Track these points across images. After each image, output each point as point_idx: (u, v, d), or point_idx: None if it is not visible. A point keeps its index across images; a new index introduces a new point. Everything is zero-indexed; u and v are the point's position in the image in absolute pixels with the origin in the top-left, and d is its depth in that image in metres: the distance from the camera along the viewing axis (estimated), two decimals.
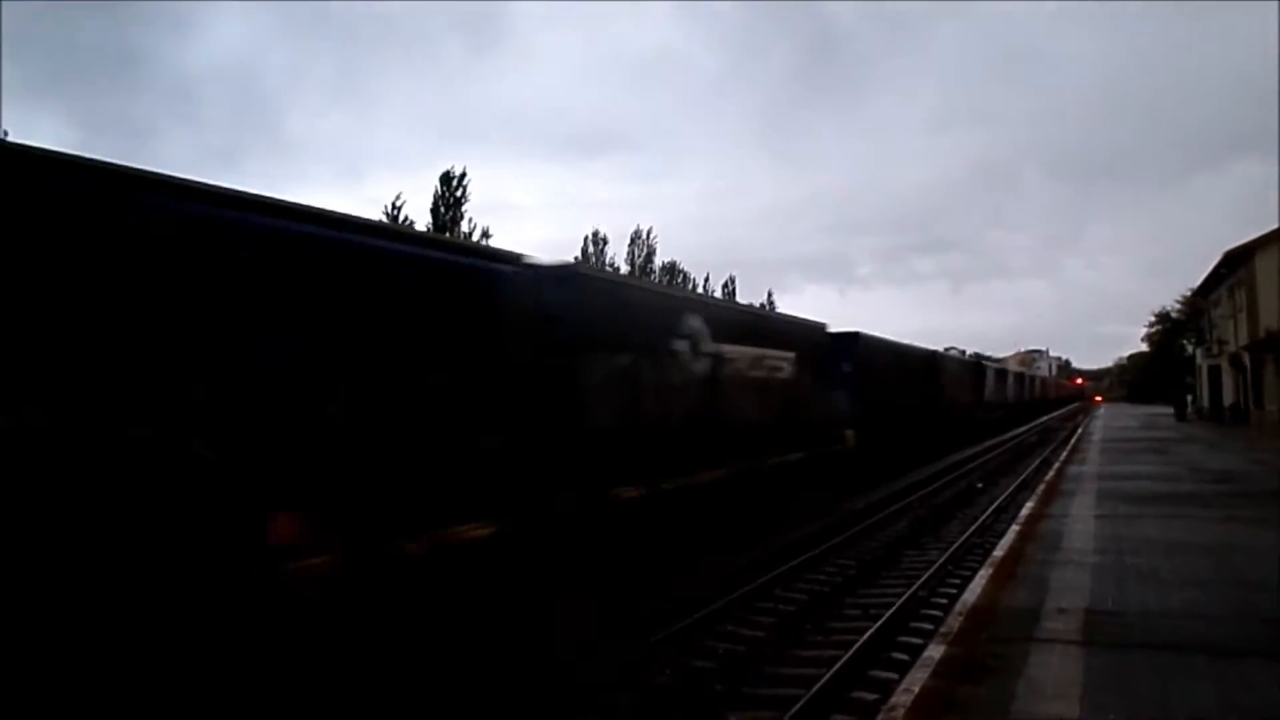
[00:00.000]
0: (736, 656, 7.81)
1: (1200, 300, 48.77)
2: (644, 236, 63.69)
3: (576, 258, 57.61)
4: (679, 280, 63.83)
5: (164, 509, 5.11)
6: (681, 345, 11.76)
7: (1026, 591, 7.95)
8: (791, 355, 15.86)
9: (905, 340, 29.62)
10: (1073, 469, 20.69)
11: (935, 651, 6.19)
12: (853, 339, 20.45)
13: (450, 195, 45.43)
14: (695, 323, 12.14)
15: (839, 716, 6.41)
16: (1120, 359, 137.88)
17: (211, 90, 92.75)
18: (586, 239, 60.79)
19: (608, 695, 6.71)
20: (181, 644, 5.05)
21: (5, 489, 4.53)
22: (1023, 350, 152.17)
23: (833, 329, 19.66)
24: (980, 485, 21.64)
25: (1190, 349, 52.36)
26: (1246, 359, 36.82)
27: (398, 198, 43.54)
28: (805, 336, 17.37)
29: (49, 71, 73.74)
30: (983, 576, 8.69)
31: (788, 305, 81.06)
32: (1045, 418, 68.58)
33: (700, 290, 65.83)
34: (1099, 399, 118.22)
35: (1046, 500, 14.64)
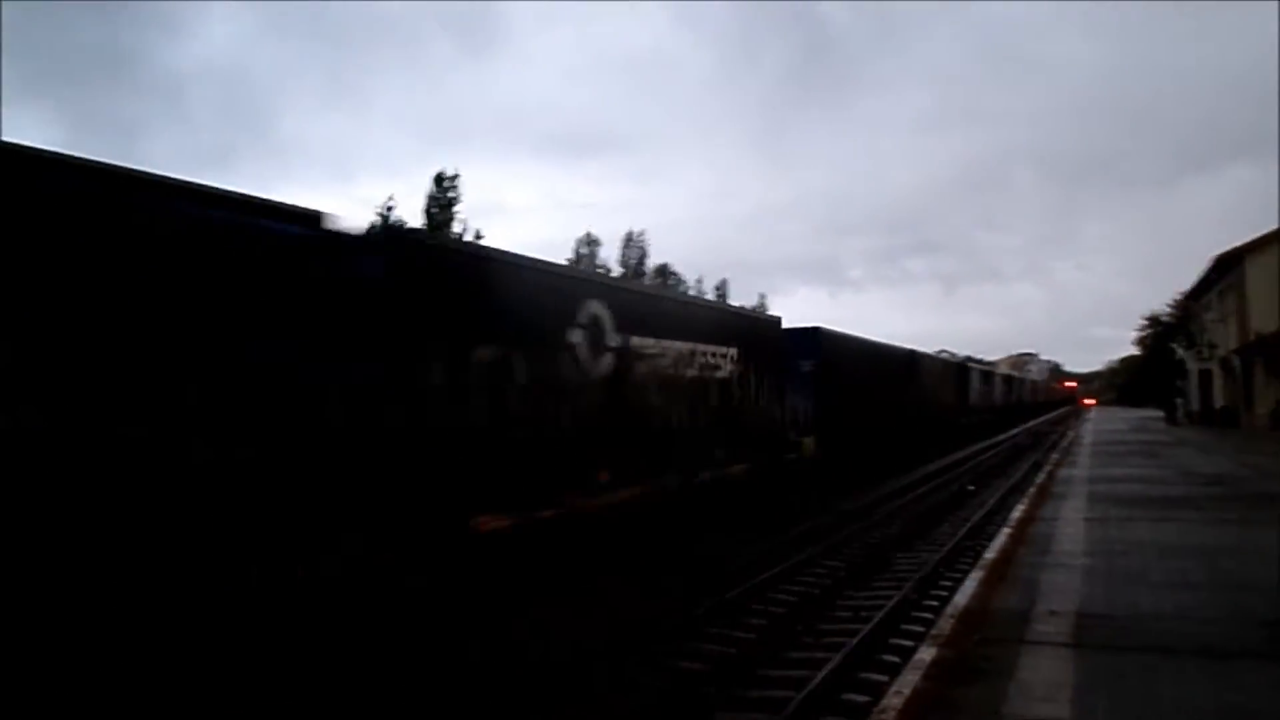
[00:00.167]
0: None
1: (1191, 304, 48.97)
2: (637, 238, 63.77)
3: (569, 259, 57.65)
4: (671, 282, 63.83)
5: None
6: (576, 336, 9.92)
7: (1017, 594, 7.93)
8: (733, 351, 13.90)
9: (888, 340, 29.05)
10: (1063, 472, 20.69)
11: (926, 654, 6.17)
12: (813, 335, 18.80)
13: (443, 196, 45.32)
14: (596, 309, 10.27)
15: None
16: (1111, 362, 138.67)
17: (202, 90, 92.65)
18: (578, 240, 60.86)
19: None
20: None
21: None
22: (1014, 353, 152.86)
23: (805, 324, 18.61)
24: (973, 487, 21.62)
25: (1181, 352, 52.50)
26: (1237, 362, 36.98)
27: (390, 198, 43.46)
28: (752, 331, 15.28)
29: (40, 71, 73.51)
30: (974, 579, 8.68)
31: (779, 307, 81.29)
32: (1035, 421, 68.46)
33: (693, 292, 65.84)
34: (1090, 402, 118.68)
35: (1037, 503, 14.63)
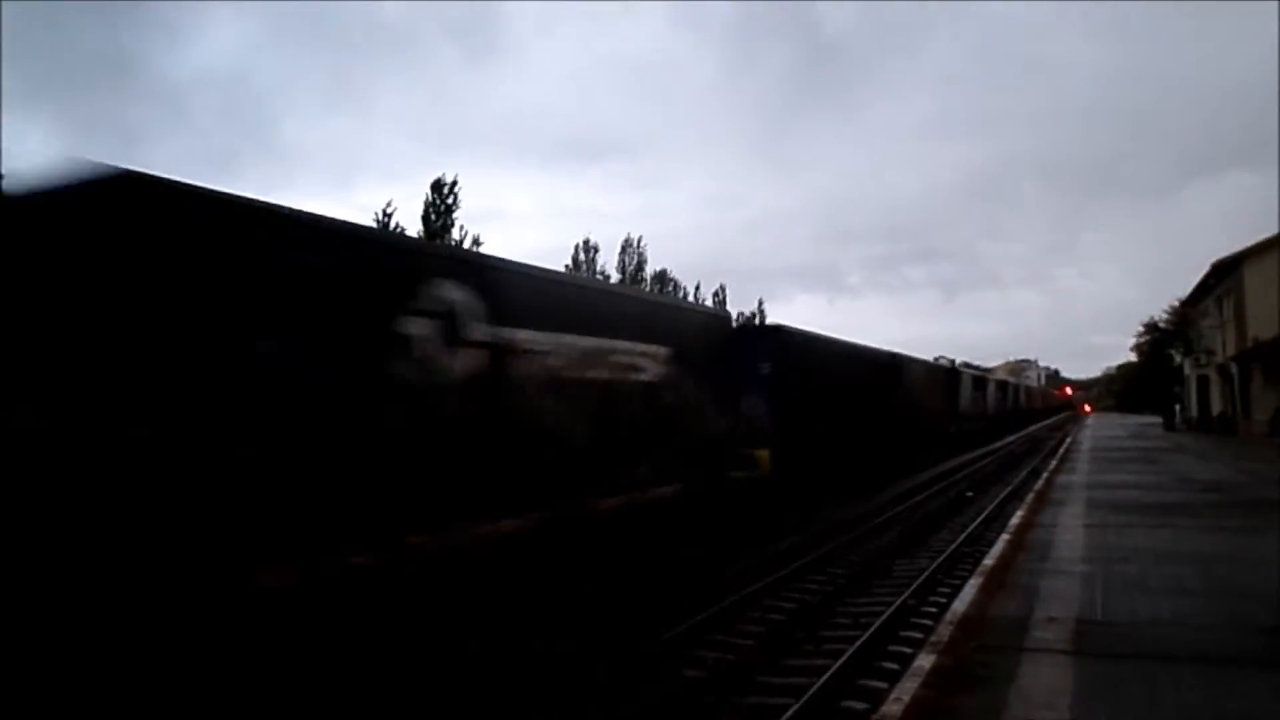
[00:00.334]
0: None
1: (1188, 310, 49.03)
2: (635, 245, 63.83)
3: (567, 266, 57.68)
4: (669, 289, 63.84)
5: None
6: (423, 328, 7.76)
7: (1016, 601, 7.93)
8: (662, 351, 11.61)
9: (882, 345, 28.05)
10: (1062, 478, 20.71)
11: (925, 661, 6.16)
12: (772, 334, 17.19)
13: (441, 203, 45.37)
14: (449, 294, 8.07)
15: None
16: (1109, 369, 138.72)
17: (204, 96, 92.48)
18: (577, 247, 60.87)
19: None
20: None
21: None
22: (1012, 360, 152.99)
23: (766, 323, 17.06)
24: (970, 494, 21.63)
25: (1178, 359, 52.56)
26: (1234, 369, 37.01)
27: (388, 204, 43.51)
28: (690, 328, 13.04)
29: (42, 76, 73.50)
30: (972, 586, 8.68)
31: (779, 314, 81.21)
32: (1032, 428, 68.24)
33: (691, 299, 65.74)
34: (1088, 409, 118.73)
35: (1036, 509, 14.64)
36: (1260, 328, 32.01)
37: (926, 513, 18.08)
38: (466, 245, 44.06)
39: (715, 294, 68.70)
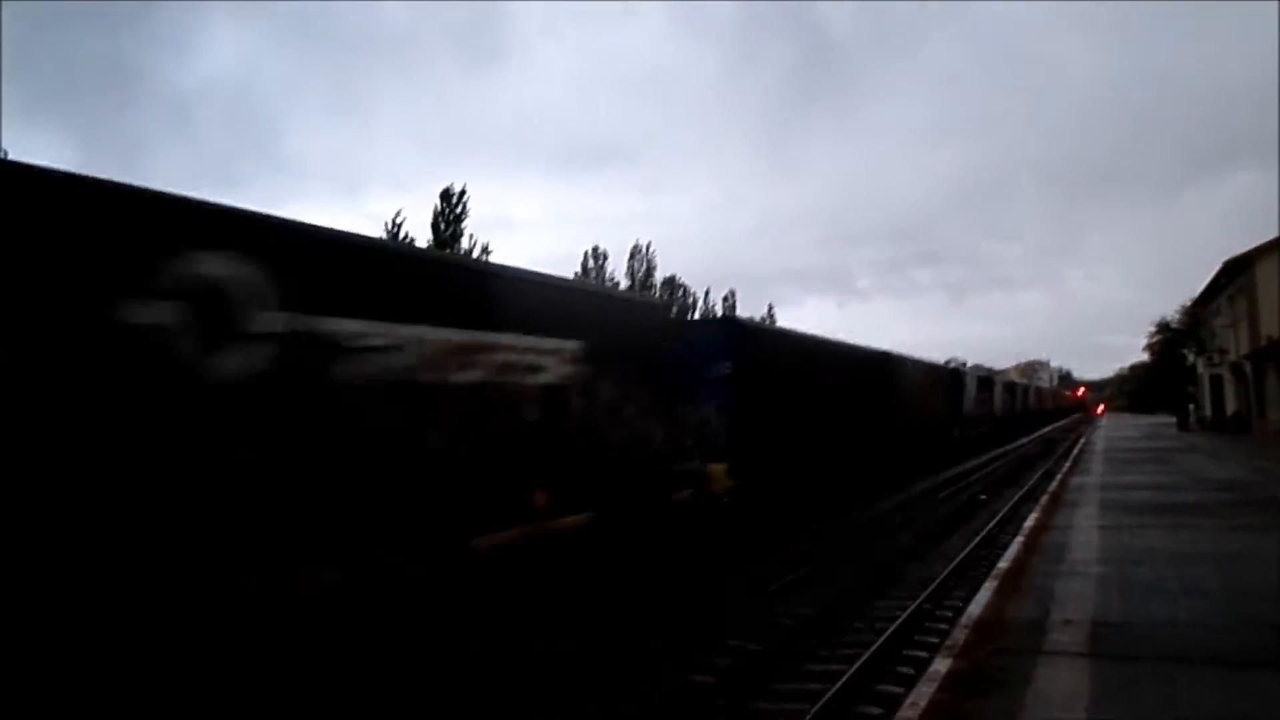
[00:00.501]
0: None
1: (1200, 309, 48.84)
2: (643, 251, 63.86)
3: (576, 273, 57.79)
4: (679, 295, 63.85)
5: None
6: (157, 314, 5.58)
7: (1032, 603, 7.94)
8: (572, 347, 9.37)
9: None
10: (1075, 480, 20.66)
11: (941, 665, 6.19)
12: (732, 329, 14.94)
13: (451, 212, 45.55)
14: (224, 269, 6.00)
15: None
16: (1122, 369, 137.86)
17: (209, 107, 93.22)
18: (586, 254, 60.91)
19: None
20: None
21: None
22: (1024, 361, 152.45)
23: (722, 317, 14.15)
24: (984, 496, 21.60)
25: (1191, 358, 52.35)
26: (1248, 368, 36.83)
27: (398, 214, 43.72)
28: (612, 319, 10.52)
29: (46, 88, 74.17)
30: (988, 589, 8.70)
31: (788, 318, 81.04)
32: (1044, 430, 67.49)
33: (701, 306, 65.56)
34: (1101, 409, 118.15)
35: (1050, 511, 14.62)
36: (1273, 326, 31.87)
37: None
38: (475, 254, 44.26)
39: (725, 299, 68.67)
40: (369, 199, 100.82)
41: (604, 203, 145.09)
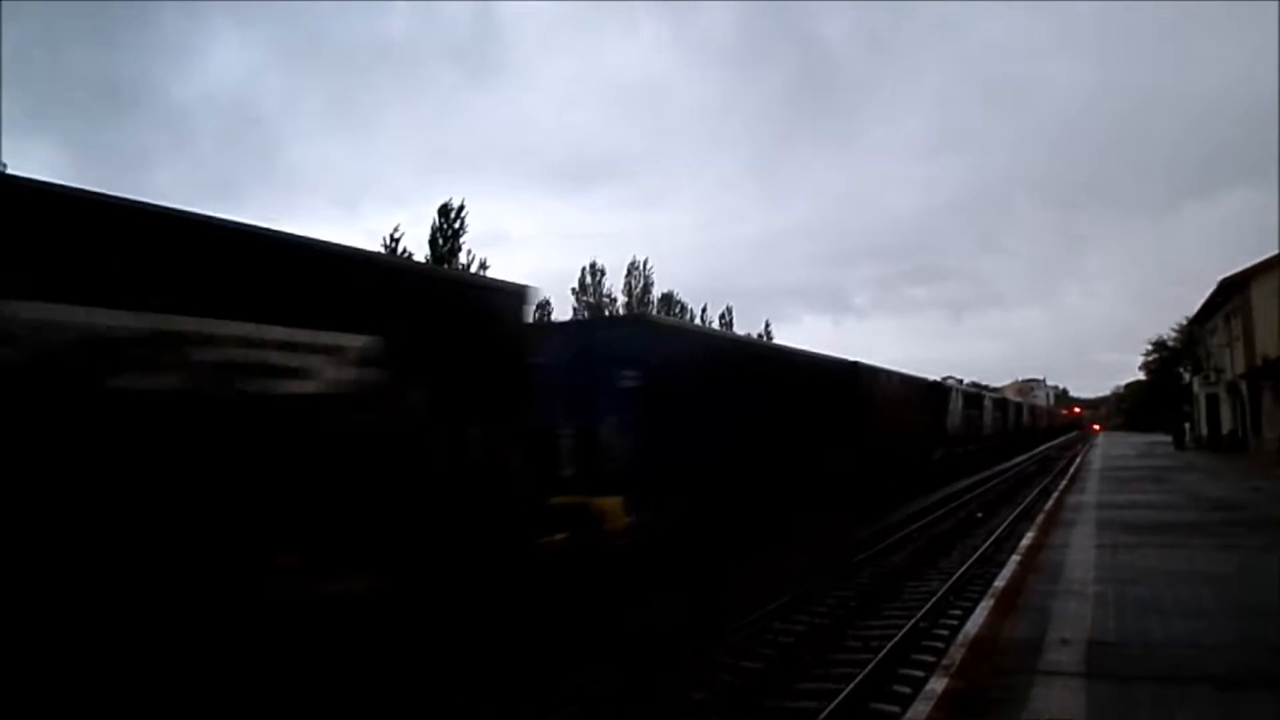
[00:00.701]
0: None
1: (1197, 328, 48.99)
2: (641, 267, 63.98)
3: (574, 290, 57.85)
4: (676, 313, 63.87)
5: None
6: None
7: (1028, 622, 7.91)
8: (358, 343, 6.82)
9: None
10: (1072, 498, 20.64)
11: (938, 685, 6.15)
12: (640, 331, 12.02)
13: (449, 227, 45.63)
14: None
15: None
16: (1118, 387, 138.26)
17: (206, 121, 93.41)
18: (583, 270, 61.01)
19: None
20: None
21: None
22: (1020, 379, 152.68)
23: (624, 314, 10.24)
24: (980, 515, 21.55)
25: (1187, 377, 52.48)
26: (1244, 387, 36.89)
27: (396, 229, 43.81)
28: (427, 305, 7.86)
29: (45, 102, 74.40)
30: (984, 607, 8.66)
31: (785, 336, 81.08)
32: (1040, 449, 66.31)
33: (697, 323, 65.62)
34: (1097, 428, 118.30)
35: (1046, 530, 14.60)
36: (1269, 345, 31.96)
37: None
38: (474, 269, 44.34)
39: (722, 316, 68.81)
40: (367, 214, 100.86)
41: (601, 218, 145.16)
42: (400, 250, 43.05)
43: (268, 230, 6.61)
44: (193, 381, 5.58)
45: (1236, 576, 9.71)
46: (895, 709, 6.79)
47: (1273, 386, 32.78)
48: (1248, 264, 35.06)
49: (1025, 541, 13.31)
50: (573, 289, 59.61)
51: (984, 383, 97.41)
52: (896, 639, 9.04)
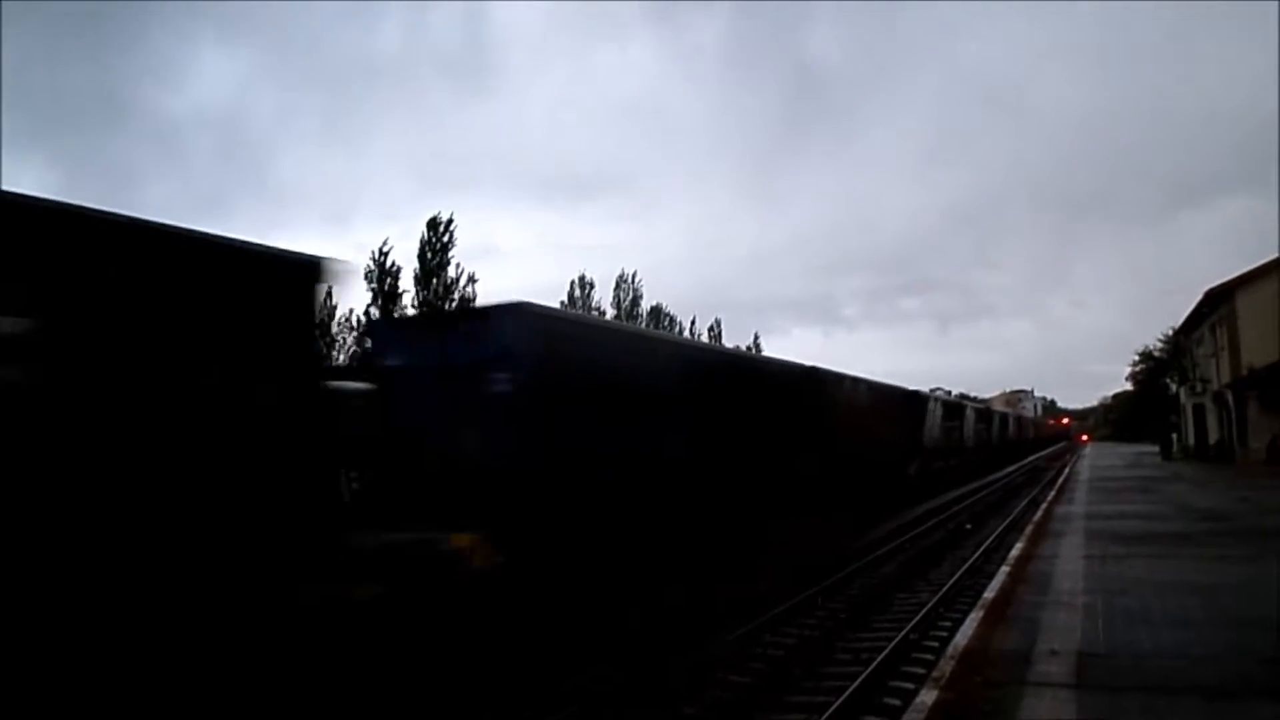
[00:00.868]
0: None
1: (1183, 338, 49.30)
2: (630, 280, 63.96)
3: (563, 302, 57.81)
4: (664, 326, 63.85)
5: None
6: None
7: (1018, 633, 7.90)
8: None
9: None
10: (1060, 509, 20.68)
11: (928, 697, 6.13)
12: (517, 322, 9.33)
13: (437, 241, 45.61)
14: None
15: None
16: (1105, 398, 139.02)
17: (197, 136, 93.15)
18: (573, 283, 60.97)
19: None
20: None
21: None
22: (1008, 390, 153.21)
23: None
24: (969, 526, 21.56)
25: (1174, 387, 52.76)
26: (1230, 397, 37.09)
27: (384, 243, 43.78)
28: (122, 278, 5.18)
29: (36, 117, 74.08)
30: (973, 618, 8.65)
31: (774, 348, 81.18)
32: (1028, 460, 65.33)
33: (686, 335, 65.59)
34: (1085, 438, 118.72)
35: (1035, 541, 14.61)
36: (1254, 355, 32.18)
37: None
38: (462, 283, 44.29)
39: (710, 329, 68.85)
40: (357, 227, 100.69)
41: (591, 231, 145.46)
42: (389, 264, 43.02)
43: None
44: None
45: (1224, 587, 9.72)
46: None
47: (1258, 396, 32.99)
48: (1233, 274, 35.38)
49: (1014, 552, 13.32)
50: (562, 302, 59.61)
51: (973, 394, 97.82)
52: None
